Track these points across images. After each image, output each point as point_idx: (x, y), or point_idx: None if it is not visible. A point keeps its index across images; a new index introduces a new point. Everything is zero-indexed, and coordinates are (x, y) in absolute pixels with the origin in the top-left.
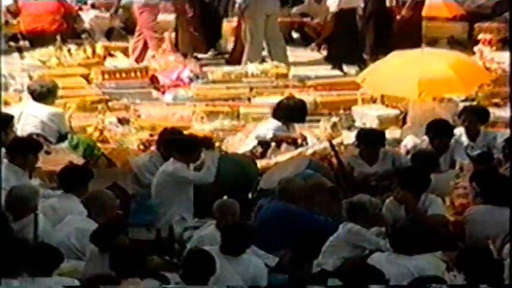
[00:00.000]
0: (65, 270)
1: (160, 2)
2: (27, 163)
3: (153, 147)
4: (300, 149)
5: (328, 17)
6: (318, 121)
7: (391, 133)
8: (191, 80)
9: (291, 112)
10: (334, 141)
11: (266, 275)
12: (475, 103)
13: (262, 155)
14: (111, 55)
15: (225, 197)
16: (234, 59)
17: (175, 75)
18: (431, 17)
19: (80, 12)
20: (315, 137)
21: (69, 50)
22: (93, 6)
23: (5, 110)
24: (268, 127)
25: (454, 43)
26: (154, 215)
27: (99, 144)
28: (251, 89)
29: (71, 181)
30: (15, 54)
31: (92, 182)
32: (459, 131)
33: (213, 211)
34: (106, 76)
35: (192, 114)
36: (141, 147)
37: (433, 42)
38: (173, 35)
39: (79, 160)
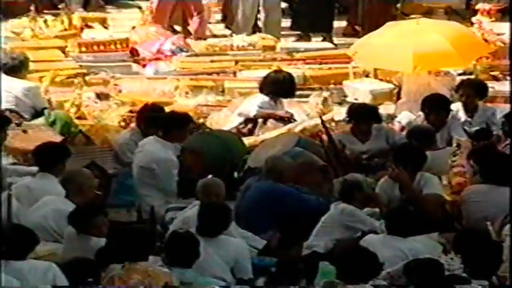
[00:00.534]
0: (42, 253)
1: None
2: None
3: (133, 124)
4: (288, 125)
5: None
6: (308, 96)
7: (385, 109)
8: (173, 52)
9: (278, 87)
10: (325, 117)
11: (249, 256)
12: (473, 77)
13: (250, 132)
14: (88, 26)
15: (209, 177)
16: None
17: (157, 48)
18: None
19: None
20: (305, 112)
21: (45, 21)
22: None
23: None
24: (254, 103)
25: (451, 13)
26: (135, 195)
27: (76, 121)
28: (237, 62)
29: (47, 160)
30: None
31: (70, 161)
32: (456, 106)
33: (196, 191)
34: (83, 48)
35: (175, 89)
36: (122, 123)
37: (429, 13)
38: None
39: (56, 137)
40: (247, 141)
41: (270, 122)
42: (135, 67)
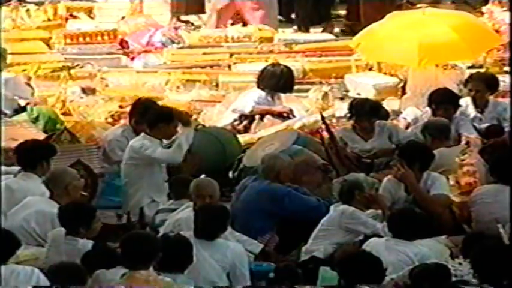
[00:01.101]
0: (24, 257)
1: None
2: None
3: (123, 120)
4: (287, 122)
5: None
6: (307, 91)
7: (389, 104)
8: (164, 44)
9: (276, 81)
10: (325, 113)
11: (246, 261)
12: (483, 70)
13: (246, 129)
14: (73, 16)
15: (202, 176)
16: None
17: (146, 40)
18: None
19: None
20: (304, 108)
21: (27, 10)
22: None
23: None
24: (250, 98)
25: (460, 2)
26: (123, 196)
27: (61, 117)
28: (231, 54)
29: (30, 158)
30: None
31: (54, 160)
32: (465, 102)
33: (189, 192)
34: (68, 40)
35: (166, 83)
36: (110, 120)
37: (436, 2)
38: None
39: (39, 134)
40: (243, 138)
41: (267, 119)
42: (123, 60)
